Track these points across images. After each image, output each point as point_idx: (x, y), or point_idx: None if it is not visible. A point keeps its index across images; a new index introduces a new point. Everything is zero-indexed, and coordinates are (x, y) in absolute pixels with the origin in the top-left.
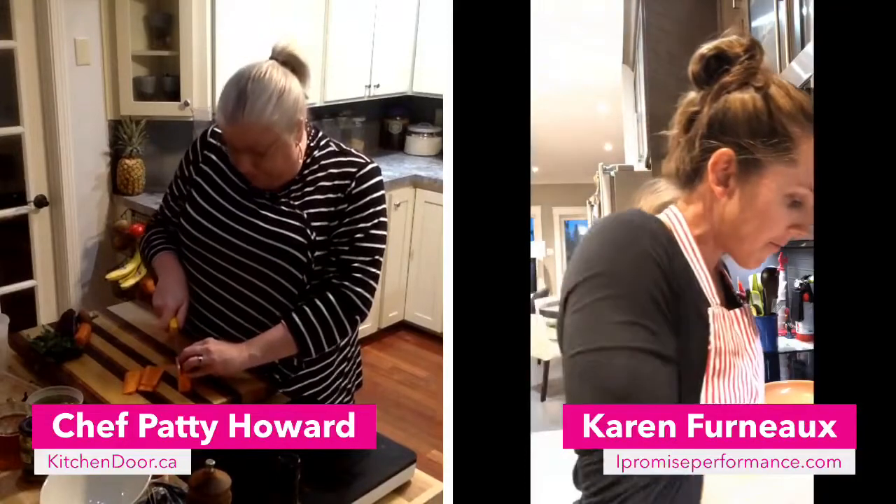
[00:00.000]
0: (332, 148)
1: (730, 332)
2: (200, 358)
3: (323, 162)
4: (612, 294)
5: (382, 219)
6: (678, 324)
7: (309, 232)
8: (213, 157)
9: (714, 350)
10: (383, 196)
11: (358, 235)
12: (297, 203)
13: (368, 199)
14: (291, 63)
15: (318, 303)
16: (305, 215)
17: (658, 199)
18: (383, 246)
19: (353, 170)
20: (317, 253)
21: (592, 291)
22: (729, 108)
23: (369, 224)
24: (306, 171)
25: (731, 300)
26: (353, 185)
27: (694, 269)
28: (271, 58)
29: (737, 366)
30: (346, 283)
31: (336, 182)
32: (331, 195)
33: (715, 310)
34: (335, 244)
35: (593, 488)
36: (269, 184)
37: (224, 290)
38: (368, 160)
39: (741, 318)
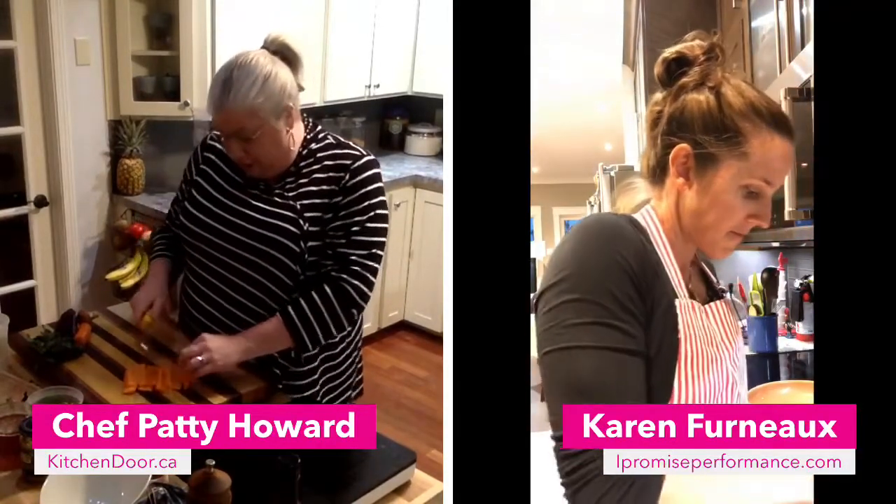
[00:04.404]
0: (330, 141)
1: (701, 323)
2: (200, 358)
3: (319, 154)
4: (576, 297)
5: (380, 211)
6: (650, 318)
7: (302, 222)
8: (213, 157)
9: (684, 338)
10: (380, 189)
11: (354, 228)
12: (290, 194)
13: (363, 191)
14: (283, 52)
15: (315, 296)
16: (298, 206)
17: (634, 198)
18: (381, 239)
19: (348, 162)
20: (310, 243)
21: (559, 295)
22: (686, 106)
23: (365, 217)
24: (302, 164)
25: (713, 294)
26: (348, 177)
27: (665, 265)
28: (263, 47)
29: (710, 354)
30: (344, 276)
31: (330, 174)
32: (325, 187)
33: (683, 301)
34: (331, 237)
35: (562, 472)
36: (262, 173)
37: (221, 281)
38: (365, 152)
39: (718, 311)
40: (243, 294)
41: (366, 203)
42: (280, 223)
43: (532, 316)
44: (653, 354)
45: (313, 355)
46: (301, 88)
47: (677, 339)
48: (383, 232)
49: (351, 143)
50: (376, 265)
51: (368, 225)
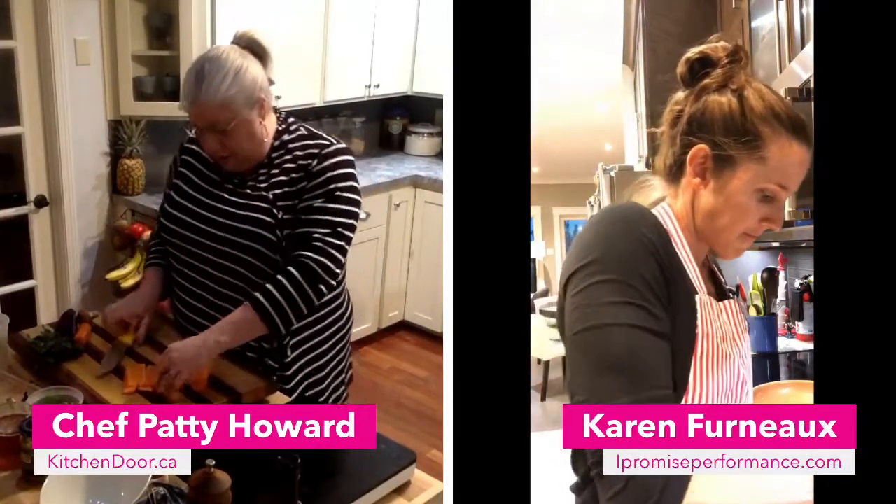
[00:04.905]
0: (302, 132)
1: (717, 320)
2: (171, 373)
3: (291, 146)
4: (608, 278)
5: (346, 194)
6: (671, 305)
7: (275, 211)
8: (189, 158)
9: (702, 334)
10: (349, 174)
11: (316, 206)
12: (262, 185)
13: (328, 175)
14: (252, 48)
15: (281, 278)
16: (271, 196)
17: (650, 195)
18: (348, 220)
19: (316, 150)
20: (286, 231)
21: (590, 276)
22: (707, 108)
23: (327, 197)
24: (274, 155)
25: (721, 293)
26: (315, 162)
27: (683, 261)
28: (232, 43)
29: (724, 351)
30: (306, 253)
31: (300, 162)
32: (294, 175)
33: (702, 297)
34: (297, 220)
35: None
36: (237, 165)
37: (205, 277)
38: (336, 142)
39: (730, 309)
40: (228, 287)
41: (330, 186)
42: (254, 214)
43: (532, 316)
44: (673, 346)
45: (298, 355)
46: (271, 82)
47: (695, 333)
48: (349, 214)
49: (323, 134)
50: (342, 244)
51: (330, 205)
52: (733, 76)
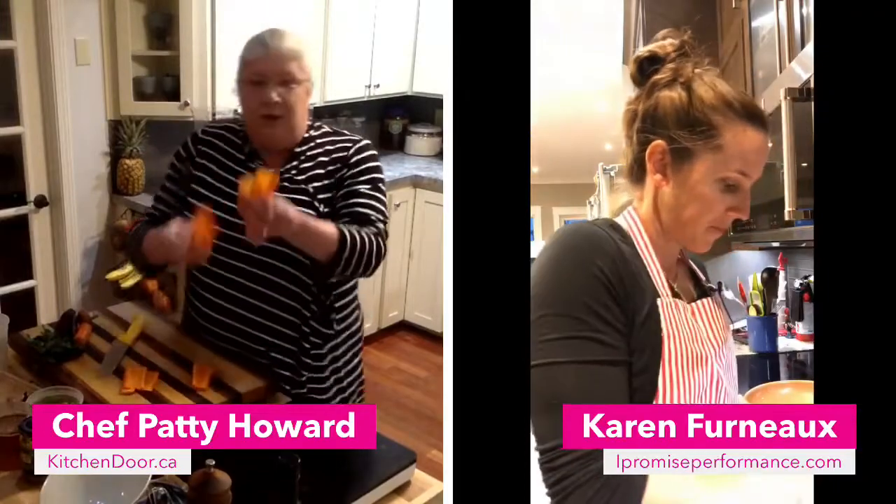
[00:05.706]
0: (326, 129)
1: (686, 321)
2: (266, 212)
3: (319, 140)
4: (551, 312)
5: (381, 185)
6: (631, 324)
7: (316, 204)
8: (210, 150)
9: (667, 337)
10: (381, 167)
11: (363, 190)
12: (300, 178)
13: (365, 165)
14: None
15: (365, 234)
16: (311, 189)
17: (619, 199)
18: (385, 209)
19: (349, 144)
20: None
21: (533, 311)
22: (659, 103)
23: (372, 185)
24: (305, 147)
25: (701, 291)
26: (352, 154)
27: (647, 267)
28: None
29: (696, 352)
30: (374, 232)
31: (334, 156)
32: (331, 167)
33: (665, 300)
34: (342, 204)
35: (546, 483)
36: (279, 138)
37: (237, 274)
38: (361, 137)
39: (704, 308)
40: (263, 283)
41: (369, 175)
42: (297, 207)
43: None
44: (637, 358)
45: (323, 353)
46: None
47: (661, 338)
48: (385, 203)
49: (345, 131)
50: (386, 230)
51: (375, 193)
52: (681, 70)
